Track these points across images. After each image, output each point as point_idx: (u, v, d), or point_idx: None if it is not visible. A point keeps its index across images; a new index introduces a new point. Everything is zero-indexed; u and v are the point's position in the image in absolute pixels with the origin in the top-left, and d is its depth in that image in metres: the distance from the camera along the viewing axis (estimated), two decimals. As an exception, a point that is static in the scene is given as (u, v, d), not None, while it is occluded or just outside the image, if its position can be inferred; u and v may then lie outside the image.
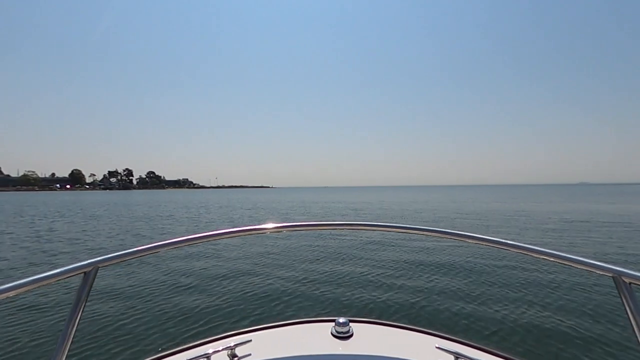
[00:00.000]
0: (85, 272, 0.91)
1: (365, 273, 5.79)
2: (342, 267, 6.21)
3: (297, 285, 5.21)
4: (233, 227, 1.19)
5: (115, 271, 6.11)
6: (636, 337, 0.75)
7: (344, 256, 7.19)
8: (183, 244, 1.11)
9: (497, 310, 3.96)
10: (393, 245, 8.19)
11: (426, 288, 4.88)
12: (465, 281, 5.19)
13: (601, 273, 0.86)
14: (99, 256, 0.98)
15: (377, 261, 6.67)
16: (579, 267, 0.90)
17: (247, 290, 5.01)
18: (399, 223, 1.28)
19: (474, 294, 4.56)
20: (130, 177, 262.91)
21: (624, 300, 0.78)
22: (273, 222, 1.29)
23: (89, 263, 0.93)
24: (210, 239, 1.15)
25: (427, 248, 7.84)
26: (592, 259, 0.88)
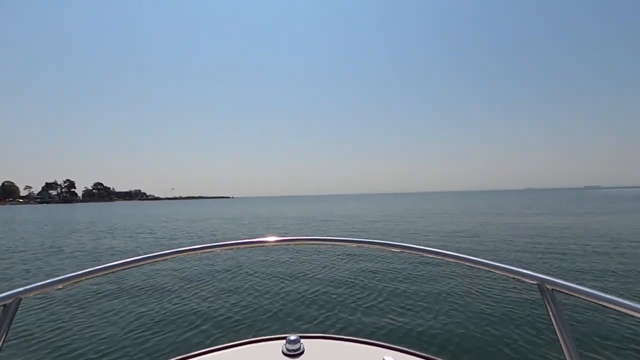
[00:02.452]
0: (4, 305, 0.82)
1: (314, 288, 5.79)
2: (292, 283, 6.15)
3: (246, 303, 5.06)
4: (174, 248, 1.18)
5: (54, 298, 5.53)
6: (558, 339, 0.81)
7: (293, 272, 7.07)
8: (112, 270, 1.03)
9: (438, 319, 4.06)
10: (342, 259, 8.24)
11: (373, 300, 4.95)
12: (407, 291, 5.33)
13: (528, 281, 0.91)
14: (22, 287, 0.88)
15: (326, 275, 6.66)
16: (508, 275, 0.96)
17: (192, 311, 4.73)
18: (343, 237, 1.32)
19: (416, 304, 4.69)
20: (72, 189, 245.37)
21: (547, 306, 0.84)
22: (217, 241, 1.33)
23: (8, 295, 0.84)
24: (149, 261, 1.11)
25: (373, 260, 7.93)
26: (519, 267, 0.95)
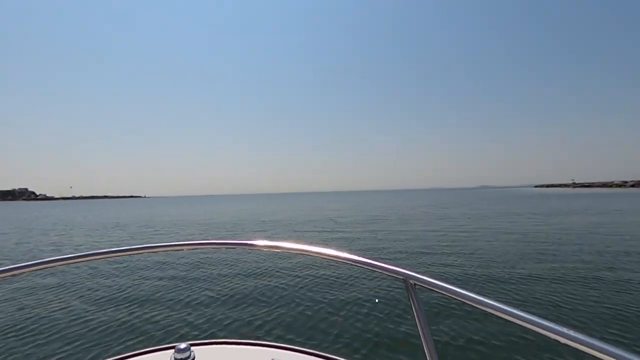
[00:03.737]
0: None
1: (204, 292, 5.56)
2: (181, 289, 5.81)
3: (133, 311, 4.70)
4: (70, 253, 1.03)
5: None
6: (417, 330, 0.90)
7: (181, 277, 6.62)
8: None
9: (319, 316, 4.24)
10: (228, 262, 7.84)
11: (262, 300, 4.96)
12: (289, 290, 5.37)
13: (395, 276, 0.98)
14: None
15: (214, 278, 6.40)
16: (379, 271, 1.02)
17: (74, 322, 4.33)
18: (228, 240, 1.29)
19: (299, 302, 4.75)
20: None
21: (410, 299, 0.93)
22: (109, 247, 1.23)
23: None
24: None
25: (258, 261, 7.68)
26: (388, 264, 1.00)
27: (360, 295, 4.94)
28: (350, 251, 1.03)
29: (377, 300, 4.69)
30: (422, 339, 0.89)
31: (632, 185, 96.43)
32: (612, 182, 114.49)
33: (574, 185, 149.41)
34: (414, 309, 0.93)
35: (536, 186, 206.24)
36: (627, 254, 7.59)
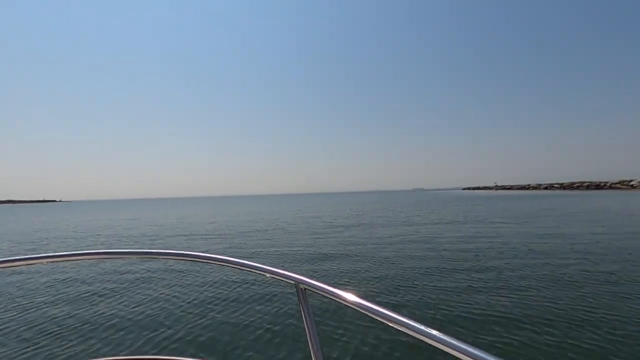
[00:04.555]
0: None
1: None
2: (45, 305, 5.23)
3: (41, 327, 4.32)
4: None
5: None
6: (306, 334, 0.93)
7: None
8: None
9: (209, 322, 4.13)
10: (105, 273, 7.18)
11: (145, 312, 4.66)
12: (184, 299, 5.13)
13: (287, 281, 1.01)
14: None
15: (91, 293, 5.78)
16: (271, 276, 1.04)
17: None
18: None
19: (192, 311, 4.60)
20: None
21: (301, 304, 0.97)
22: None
23: None
24: None
25: (132, 271, 7.17)
26: (281, 269, 1.04)
27: (251, 301, 4.89)
28: (241, 256, 0.94)
29: (267, 305, 4.65)
30: (310, 343, 0.92)
31: (545, 188, 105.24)
32: (529, 184, 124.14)
33: (497, 187, 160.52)
34: (303, 313, 0.95)
35: (464, 189, 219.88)
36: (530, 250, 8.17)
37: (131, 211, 39.93)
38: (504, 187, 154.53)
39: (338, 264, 7.45)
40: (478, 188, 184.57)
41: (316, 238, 11.64)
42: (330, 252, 8.91)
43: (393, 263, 7.27)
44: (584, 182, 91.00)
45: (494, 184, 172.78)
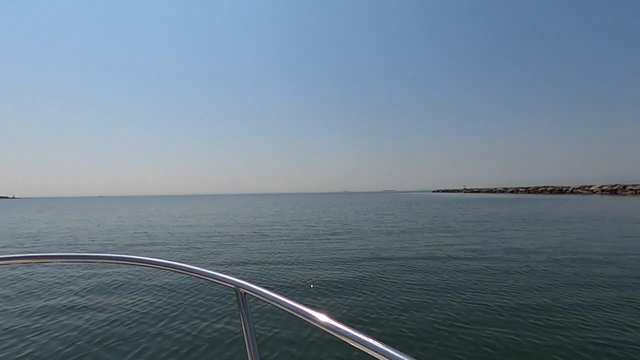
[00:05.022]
0: None
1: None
2: None
3: None
4: None
5: None
6: (244, 339, 0.92)
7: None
8: None
9: (143, 328, 3.97)
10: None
11: (72, 317, 4.45)
12: (119, 304, 4.92)
13: (227, 285, 1.00)
14: None
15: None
16: (211, 280, 1.02)
17: None
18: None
19: (129, 316, 4.43)
20: None
21: (240, 308, 0.96)
22: None
23: None
24: None
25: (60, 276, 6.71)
26: (220, 273, 1.03)
27: (187, 306, 4.73)
28: (180, 260, 0.99)
29: (205, 310, 4.51)
30: (248, 349, 0.91)
31: (512, 192, 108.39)
32: (496, 188, 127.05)
33: (465, 190, 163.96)
34: (242, 318, 0.95)
35: (434, 191, 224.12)
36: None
37: (81, 210, 35.81)
38: (472, 191, 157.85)
39: (283, 267, 7.22)
40: (447, 191, 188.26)
41: (264, 241, 11.01)
42: (277, 255, 8.53)
43: (340, 268, 6.99)
44: (547, 187, 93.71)
45: (462, 187, 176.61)
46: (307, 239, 11.21)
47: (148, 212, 28.74)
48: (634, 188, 64.63)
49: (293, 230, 14.08)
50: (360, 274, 6.36)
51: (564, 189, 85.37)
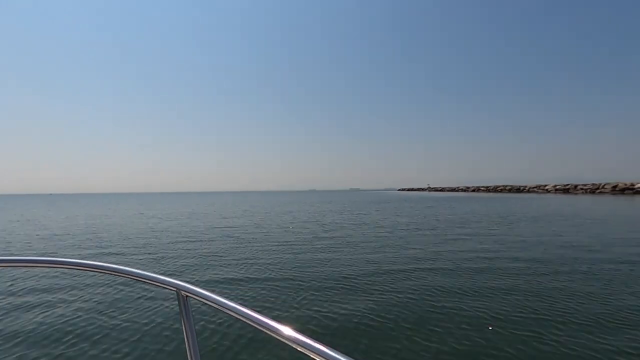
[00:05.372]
0: None
1: None
2: None
3: None
4: None
5: None
6: (185, 343, 0.91)
7: None
8: None
9: (83, 334, 3.79)
10: None
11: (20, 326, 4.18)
12: (50, 309, 4.63)
13: (168, 288, 0.96)
14: None
15: None
16: (150, 283, 0.98)
17: None
18: None
19: (59, 321, 4.19)
20: None
21: (181, 311, 0.93)
22: None
23: None
24: None
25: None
26: (161, 275, 0.98)
27: (126, 310, 4.47)
28: (118, 262, 1.00)
29: (145, 315, 4.29)
30: (188, 353, 0.89)
31: (473, 190, 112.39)
32: (459, 187, 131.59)
33: (430, 189, 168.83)
34: (183, 322, 0.92)
35: (399, 189, 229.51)
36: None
37: (23, 209, 32.72)
38: (435, 189, 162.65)
39: (229, 269, 6.78)
40: (412, 189, 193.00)
41: (212, 241, 10.53)
42: (224, 255, 8.15)
43: (285, 268, 6.72)
44: (506, 186, 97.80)
45: (427, 186, 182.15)
46: (265, 238, 10.77)
47: (100, 212, 26.33)
48: (584, 187, 68.62)
49: (257, 231, 13.05)
50: (323, 274, 6.20)
51: (522, 188, 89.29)
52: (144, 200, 65.70)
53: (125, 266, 1.00)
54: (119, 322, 4.03)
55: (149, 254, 8.58)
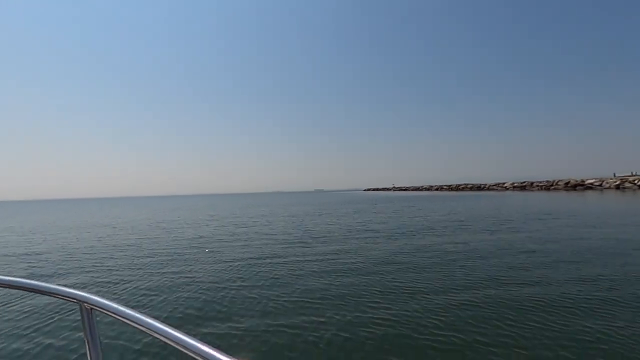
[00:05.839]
0: None
1: None
2: None
3: None
4: None
5: None
6: (87, 358, 0.83)
7: None
8: None
9: None
10: None
11: None
12: None
13: (69, 299, 0.88)
14: None
15: None
16: (49, 294, 0.90)
17: None
18: None
19: None
20: None
21: (85, 325, 0.86)
22: None
23: None
24: None
25: None
26: (62, 286, 0.89)
27: (21, 326, 4.05)
28: (15, 274, 0.98)
29: (42, 331, 3.88)
30: None
31: (436, 189, 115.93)
32: (422, 186, 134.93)
33: (394, 189, 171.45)
34: (87, 337, 0.85)
35: (365, 190, 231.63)
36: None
37: None
38: (400, 189, 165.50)
39: (144, 278, 6.23)
40: (377, 189, 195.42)
41: (125, 249, 9.49)
42: (140, 264, 7.53)
43: (205, 276, 6.22)
44: (467, 184, 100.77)
45: (392, 186, 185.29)
46: (190, 245, 10.08)
47: (48, 221, 23.12)
48: (539, 184, 71.71)
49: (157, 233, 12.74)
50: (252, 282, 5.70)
51: (482, 186, 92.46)
52: (103, 205, 61.19)
53: (24, 278, 0.92)
54: (12, 343, 3.60)
55: (55, 264, 7.76)
